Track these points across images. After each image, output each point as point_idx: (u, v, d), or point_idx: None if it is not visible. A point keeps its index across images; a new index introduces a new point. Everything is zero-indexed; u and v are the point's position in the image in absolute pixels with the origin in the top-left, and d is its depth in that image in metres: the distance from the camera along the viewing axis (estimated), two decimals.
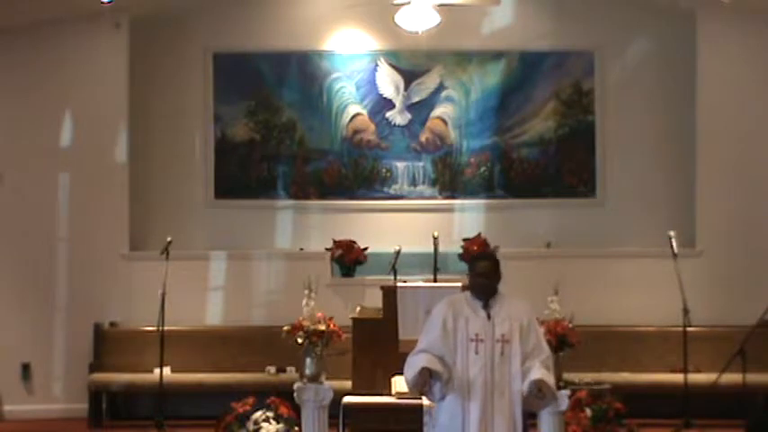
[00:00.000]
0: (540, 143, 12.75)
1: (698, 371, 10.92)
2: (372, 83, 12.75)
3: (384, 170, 12.75)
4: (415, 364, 6.58)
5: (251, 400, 9.43)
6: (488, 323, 6.61)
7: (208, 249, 12.29)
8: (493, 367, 6.56)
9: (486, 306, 6.65)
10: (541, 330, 6.84)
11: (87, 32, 12.08)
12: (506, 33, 12.69)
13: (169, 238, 10.98)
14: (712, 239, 12.05)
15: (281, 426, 9.21)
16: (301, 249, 12.45)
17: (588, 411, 9.57)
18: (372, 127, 12.76)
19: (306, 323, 8.81)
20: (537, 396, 6.55)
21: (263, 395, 9.58)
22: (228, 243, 12.36)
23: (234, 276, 12.12)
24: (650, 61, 12.67)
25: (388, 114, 12.77)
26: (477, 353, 6.56)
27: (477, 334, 6.59)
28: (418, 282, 9.34)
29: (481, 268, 6.70)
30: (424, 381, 6.53)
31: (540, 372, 6.54)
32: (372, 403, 8.60)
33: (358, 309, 9.65)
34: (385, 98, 12.76)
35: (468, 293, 6.77)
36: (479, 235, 12.10)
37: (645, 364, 11.42)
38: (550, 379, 6.60)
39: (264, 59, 12.70)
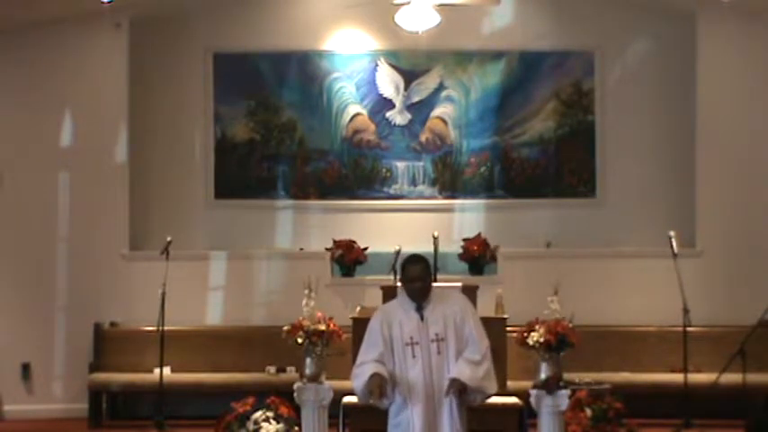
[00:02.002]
0: (540, 143, 12.75)
1: (698, 371, 10.92)
2: (372, 83, 12.76)
3: (384, 170, 12.76)
4: (363, 373, 6.57)
5: (251, 400, 9.42)
6: (422, 324, 6.62)
7: (208, 249, 12.29)
8: (431, 368, 6.56)
9: (419, 308, 6.65)
10: (477, 320, 6.74)
11: (87, 32, 12.09)
12: (506, 33, 12.70)
13: (169, 238, 10.98)
14: (712, 239, 12.05)
15: (281, 426, 9.20)
16: (301, 249, 12.45)
17: (588, 411, 9.55)
18: (372, 127, 12.77)
19: (306, 323, 8.80)
20: (456, 394, 6.49)
21: (263, 395, 9.57)
22: (228, 243, 12.36)
23: (234, 276, 12.12)
24: (650, 61, 12.68)
25: (388, 114, 12.77)
26: (414, 356, 6.57)
27: (411, 337, 6.59)
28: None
29: (414, 273, 6.64)
30: (376, 386, 6.48)
31: (456, 369, 6.51)
32: (372, 403, 8.59)
33: (358, 309, 9.66)
34: (385, 98, 12.76)
35: (400, 297, 6.76)
36: (479, 235, 12.10)
37: (645, 364, 11.42)
38: (475, 371, 6.53)
39: (264, 59, 12.71)
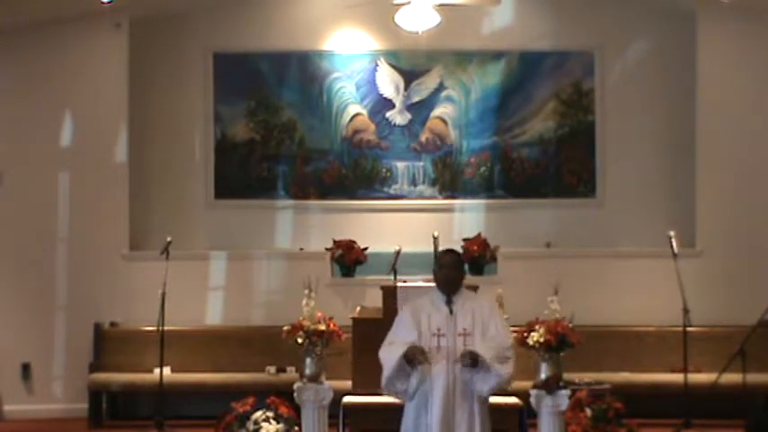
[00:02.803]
0: (540, 143, 12.75)
1: (698, 371, 10.92)
2: (372, 83, 12.76)
3: (384, 170, 12.76)
4: (397, 348, 6.59)
5: (251, 400, 9.43)
6: (450, 317, 6.71)
7: (208, 249, 12.29)
8: (455, 361, 6.60)
9: (449, 302, 6.75)
10: (502, 320, 6.88)
11: (87, 32, 12.09)
12: (506, 33, 12.70)
13: (169, 238, 10.98)
14: (712, 239, 12.05)
15: (281, 426, 9.20)
16: (301, 249, 12.45)
17: (588, 411, 9.56)
18: (372, 127, 12.77)
19: (306, 323, 8.80)
20: (467, 362, 6.52)
21: (263, 395, 9.58)
22: (228, 243, 12.36)
23: (234, 276, 12.12)
24: (650, 61, 12.68)
25: (388, 114, 12.77)
26: (439, 347, 6.63)
27: (438, 328, 6.68)
28: (418, 282, 9.33)
29: (446, 261, 6.84)
30: (419, 351, 6.50)
31: (479, 348, 6.56)
32: (372, 403, 8.60)
33: (358, 309, 9.66)
34: (385, 98, 12.76)
35: (431, 294, 6.85)
36: (479, 235, 12.10)
37: (645, 364, 11.42)
38: (494, 353, 6.56)
39: (264, 59, 12.71)
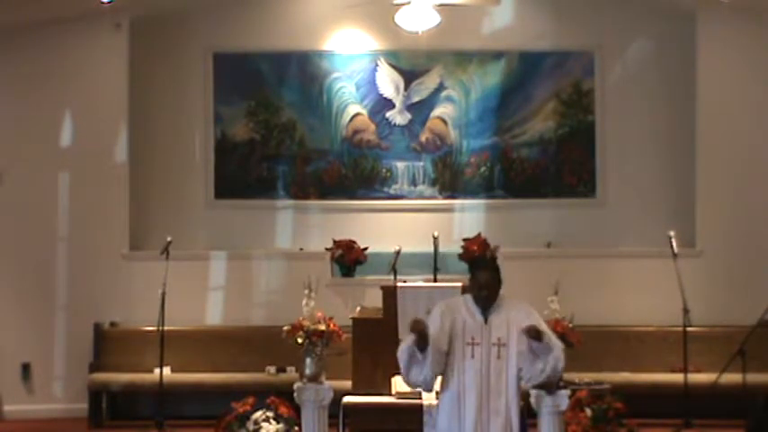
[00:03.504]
0: (540, 143, 12.75)
1: (698, 371, 10.92)
2: (372, 83, 12.76)
3: (384, 170, 12.76)
4: (405, 341, 6.53)
5: (251, 400, 9.43)
6: (485, 327, 6.55)
7: (208, 249, 12.29)
8: (489, 371, 6.50)
9: (485, 311, 6.59)
10: (545, 325, 6.64)
11: (87, 32, 12.08)
12: (506, 33, 12.69)
13: (169, 238, 10.97)
14: (712, 239, 12.04)
15: (281, 426, 9.21)
16: (301, 249, 12.45)
17: (588, 411, 9.57)
18: (372, 127, 12.77)
19: (306, 323, 8.81)
20: (533, 336, 6.39)
21: (263, 395, 9.58)
22: (228, 243, 12.36)
23: (234, 276, 12.12)
24: (650, 61, 12.67)
25: (388, 114, 12.77)
26: (472, 356, 6.51)
27: (473, 337, 6.54)
28: (418, 282, 9.35)
29: (484, 280, 6.56)
30: (422, 324, 6.40)
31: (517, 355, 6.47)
32: (372, 403, 8.61)
33: (358, 309, 9.66)
34: (385, 98, 12.76)
35: (467, 297, 6.69)
36: (479, 235, 12.08)
37: (645, 364, 11.41)
38: (547, 331, 6.48)
39: (264, 59, 12.71)
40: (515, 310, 6.63)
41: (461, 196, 12.73)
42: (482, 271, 6.61)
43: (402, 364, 6.56)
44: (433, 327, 6.52)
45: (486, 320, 6.56)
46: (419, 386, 6.68)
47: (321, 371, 8.78)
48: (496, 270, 6.63)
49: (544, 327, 6.58)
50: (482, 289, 6.55)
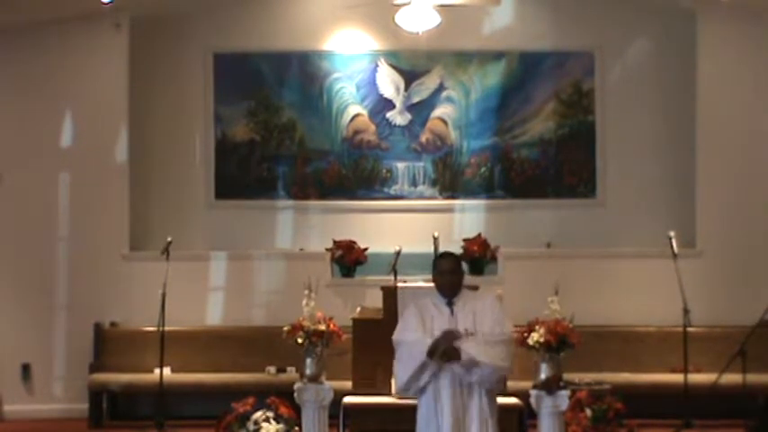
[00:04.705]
0: (540, 143, 12.75)
1: (698, 371, 10.92)
2: (372, 83, 12.76)
3: (384, 170, 12.76)
4: (416, 339, 6.59)
5: (251, 400, 9.42)
6: (452, 318, 6.71)
7: (208, 249, 12.29)
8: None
9: (450, 303, 6.77)
10: (501, 311, 6.83)
11: (87, 32, 12.09)
12: (506, 33, 12.70)
13: (169, 239, 10.97)
14: (712, 239, 12.05)
15: (281, 426, 9.20)
16: (301, 250, 12.45)
17: (588, 411, 9.56)
18: (373, 127, 12.77)
19: (306, 323, 8.81)
20: (444, 359, 6.51)
21: (263, 395, 9.57)
22: (228, 243, 12.36)
23: (234, 276, 12.12)
24: (650, 61, 12.68)
25: (388, 115, 12.77)
26: None
27: (442, 330, 6.65)
28: (418, 282, 9.33)
29: (445, 266, 6.84)
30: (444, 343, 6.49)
31: (464, 345, 6.54)
32: (372, 403, 8.61)
33: (358, 309, 9.66)
34: (385, 98, 12.76)
35: (432, 294, 6.86)
36: (479, 235, 12.10)
37: (645, 364, 11.42)
38: (483, 349, 6.55)
39: (264, 59, 12.71)
40: (480, 301, 6.84)
41: (461, 197, 12.73)
42: (444, 259, 6.94)
43: (407, 371, 6.64)
44: (412, 328, 6.69)
45: (452, 312, 6.73)
46: (409, 391, 6.76)
47: (321, 371, 8.79)
48: (458, 258, 6.98)
49: (506, 322, 6.76)
50: (444, 273, 6.79)
